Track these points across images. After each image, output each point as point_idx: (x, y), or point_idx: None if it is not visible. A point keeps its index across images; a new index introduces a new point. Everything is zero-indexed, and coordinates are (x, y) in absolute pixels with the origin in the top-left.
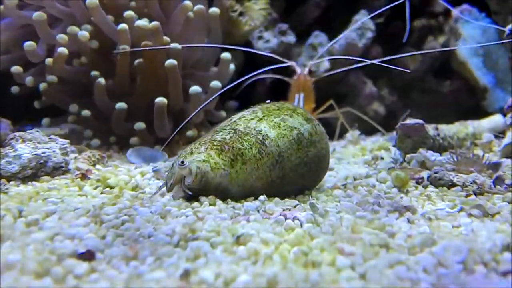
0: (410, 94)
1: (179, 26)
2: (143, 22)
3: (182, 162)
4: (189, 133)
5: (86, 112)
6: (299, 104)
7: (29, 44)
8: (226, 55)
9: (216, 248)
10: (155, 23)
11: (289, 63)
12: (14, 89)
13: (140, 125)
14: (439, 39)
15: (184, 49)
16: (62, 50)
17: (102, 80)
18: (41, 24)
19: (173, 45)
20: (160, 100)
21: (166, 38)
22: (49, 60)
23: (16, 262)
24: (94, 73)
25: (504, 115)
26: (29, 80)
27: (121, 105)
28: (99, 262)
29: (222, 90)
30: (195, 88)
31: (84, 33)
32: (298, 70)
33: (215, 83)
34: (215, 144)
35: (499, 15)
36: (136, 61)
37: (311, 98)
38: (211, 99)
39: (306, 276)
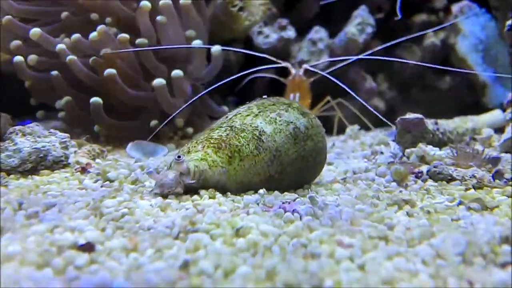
0: (410, 90)
1: (149, 28)
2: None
3: (179, 156)
4: (178, 121)
5: (62, 114)
6: None
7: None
8: (217, 48)
9: (215, 240)
10: (101, 27)
11: (283, 64)
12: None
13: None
14: (439, 34)
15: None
16: (18, 58)
17: (55, 72)
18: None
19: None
20: (95, 100)
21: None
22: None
23: (16, 253)
24: (54, 72)
25: (504, 111)
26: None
27: (66, 98)
28: (99, 253)
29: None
30: (159, 81)
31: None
32: (293, 71)
33: (176, 72)
34: (211, 142)
35: (499, 11)
36: (91, 59)
37: (307, 98)
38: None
39: (305, 267)
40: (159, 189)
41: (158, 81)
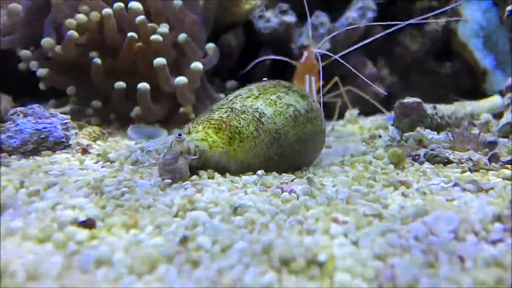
0: (410, 75)
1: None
2: (136, 4)
3: (180, 135)
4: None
5: (96, 103)
6: (310, 86)
7: (46, 41)
8: (210, 45)
9: (214, 218)
10: (141, 17)
11: (308, 41)
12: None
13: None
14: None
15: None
16: (72, 33)
17: (98, 60)
18: (59, 7)
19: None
20: (143, 85)
21: (152, 25)
22: (58, 48)
23: (18, 229)
24: (93, 53)
25: (503, 96)
26: (33, 64)
27: (120, 84)
28: (100, 230)
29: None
30: (181, 79)
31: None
32: (306, 53)
33: (196, 65)
34: (212, 123)
35: None
36: (137, 44)
37: (318, 83)
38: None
39: (300, 242)
40: (169, 175)
41: (181, 79)
